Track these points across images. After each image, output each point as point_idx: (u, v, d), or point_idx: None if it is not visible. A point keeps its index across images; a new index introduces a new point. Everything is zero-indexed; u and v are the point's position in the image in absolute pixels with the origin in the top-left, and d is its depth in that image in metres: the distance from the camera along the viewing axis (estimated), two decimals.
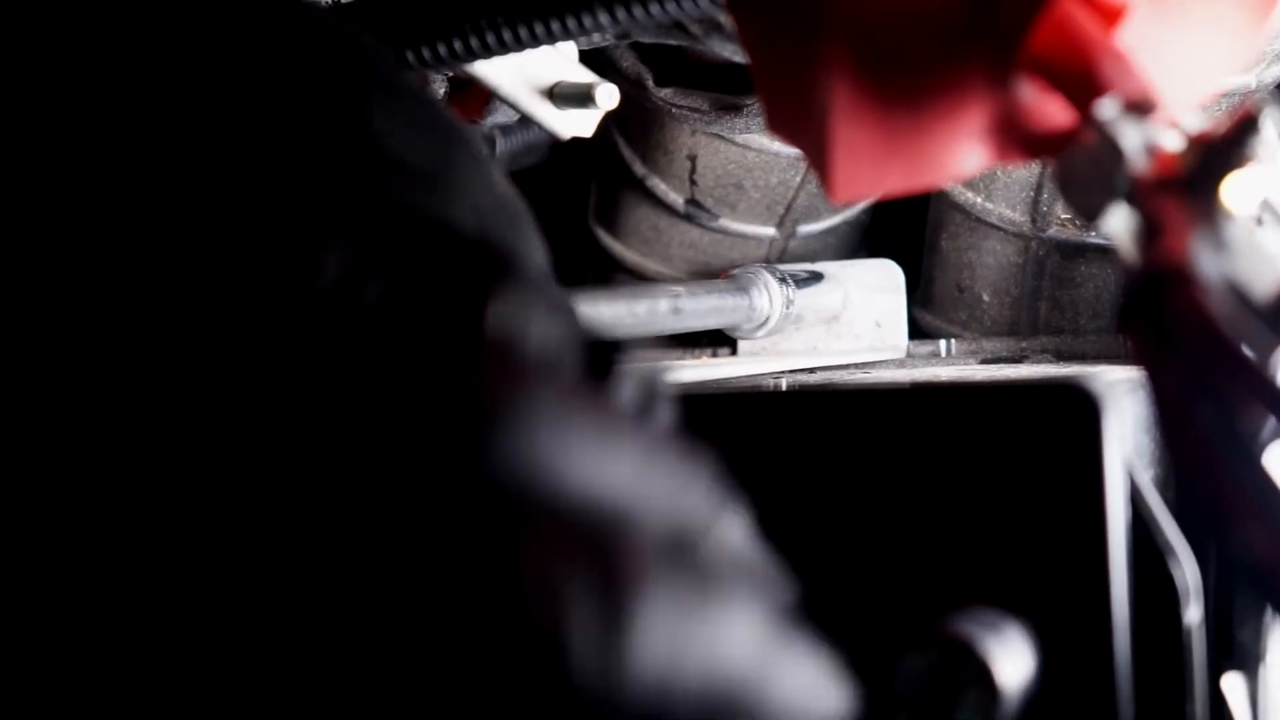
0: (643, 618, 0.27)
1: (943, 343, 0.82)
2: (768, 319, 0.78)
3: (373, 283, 0.29)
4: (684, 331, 0.75)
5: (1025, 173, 0.83)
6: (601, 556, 0.27)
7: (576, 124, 0.77)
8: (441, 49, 0.66)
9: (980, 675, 0.40)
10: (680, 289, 0.72)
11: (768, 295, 0.78)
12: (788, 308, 0.79)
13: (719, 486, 0.31)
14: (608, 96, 0.75)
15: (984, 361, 0.79)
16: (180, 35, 0.32)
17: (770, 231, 0.92)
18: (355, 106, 0.33)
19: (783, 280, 0.78)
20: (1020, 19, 0.41)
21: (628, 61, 0.85)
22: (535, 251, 0.37)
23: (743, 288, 0.77)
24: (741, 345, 0.84)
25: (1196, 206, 0.36)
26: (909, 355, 0.81)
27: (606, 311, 0.62)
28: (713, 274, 0.87)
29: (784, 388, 0.54)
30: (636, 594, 0.27)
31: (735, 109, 0.83)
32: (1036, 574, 0.43)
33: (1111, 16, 0.41)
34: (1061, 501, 0.43)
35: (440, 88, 0.79)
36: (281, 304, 0.28)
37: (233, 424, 0.27)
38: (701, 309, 0.73)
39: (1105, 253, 0.82)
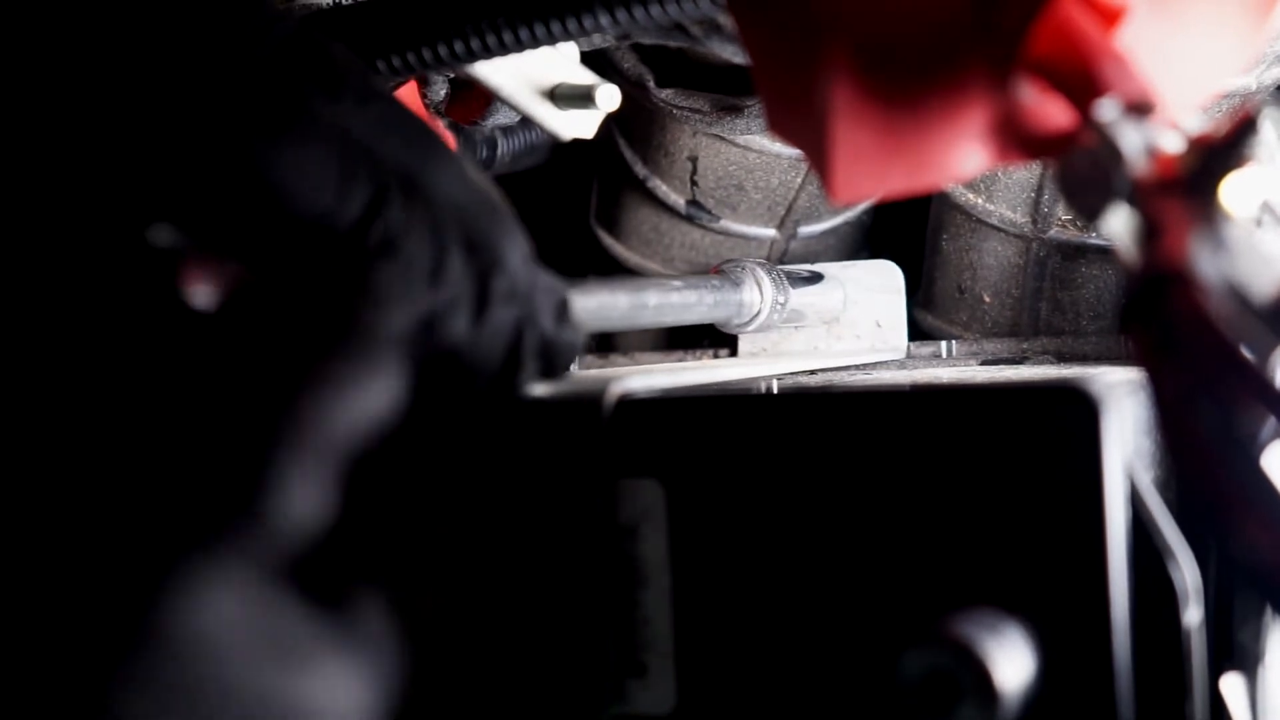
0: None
1: (944, 344, 0.81)
2: (758, 313, 0.77)
3: None
4: (674, 325, 0.74)
5: (1026, 174, 0.83)
6: None
7: (578, 125, 0.77)
8: (442, 50, 0.66)
9: (980, 676, 0.40)
10: (666, 281, 0.71)
11: (757, 289, 0.76)
12: (780, 303, 0.77)
13: None
14: (609, 97, 0.75)
15: (985, 363, 0.79)
16: None
17: (771, 232, 0.93)
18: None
19: (774, 274, 0.78)
20: (1020, 20, 0.41)
21: (629, 63, 0.85)
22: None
23: (733, 281, 0.76)
24: (742, 346, 0.83)
25: (1196, 208, 0.36)
26: (910, 356, 0.81)
27: (589, 304, 0.61)
28: None
29: (779, 390, 0.54)
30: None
31: (736, 110, 0.83)
32: (1036, 575, 0.43)
33: (1111, 17, 0.41)
34: (1061, 503, 0.43)
35: (441, 89, 0.79)
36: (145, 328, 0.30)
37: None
38: (687, 302, 0.71)
39: (1106, 254, 0.82)
